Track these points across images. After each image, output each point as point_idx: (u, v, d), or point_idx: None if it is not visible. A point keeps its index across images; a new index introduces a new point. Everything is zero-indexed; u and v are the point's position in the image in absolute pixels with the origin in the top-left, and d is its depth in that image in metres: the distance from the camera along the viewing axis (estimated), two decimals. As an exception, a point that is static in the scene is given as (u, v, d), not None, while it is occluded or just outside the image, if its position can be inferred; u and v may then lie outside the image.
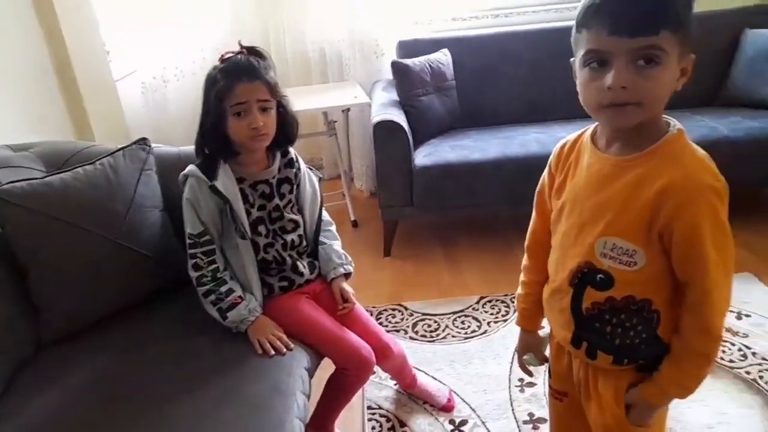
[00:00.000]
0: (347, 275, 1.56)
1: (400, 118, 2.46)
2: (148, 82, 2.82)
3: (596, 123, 0.94)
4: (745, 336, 1.90)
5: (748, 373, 1.75)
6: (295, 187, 1.49)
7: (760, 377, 1.73)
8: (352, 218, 2.97)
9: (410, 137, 2.46)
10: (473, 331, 2.08)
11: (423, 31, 3.16)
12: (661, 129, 0.88)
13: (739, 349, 1.85)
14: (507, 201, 2.51)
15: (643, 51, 0.78)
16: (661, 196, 0.83)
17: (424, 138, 2.63)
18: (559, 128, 2.63)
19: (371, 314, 2.20)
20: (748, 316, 2.00)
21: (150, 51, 2.79)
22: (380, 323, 2.16)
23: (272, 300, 1.45)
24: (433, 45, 2.85)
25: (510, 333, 2.04)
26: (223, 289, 1.36)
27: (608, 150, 0.90)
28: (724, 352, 1.84)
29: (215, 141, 1.38)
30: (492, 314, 2.16)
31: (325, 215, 1.60)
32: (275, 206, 1.44)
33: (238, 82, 1.32)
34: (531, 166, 2.48)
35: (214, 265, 1.38)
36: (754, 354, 1.83)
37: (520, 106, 2.88)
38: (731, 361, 1.81)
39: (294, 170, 1.48)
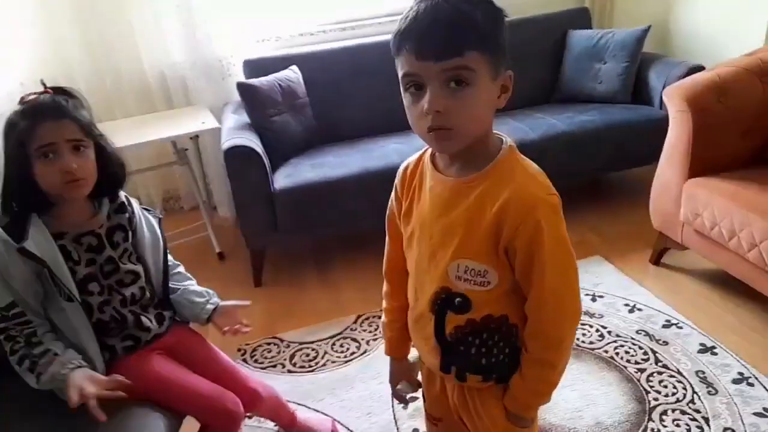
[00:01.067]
0: (216, 308, 1.45)
1: (253, 141, 2.36)
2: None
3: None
4: (601, 317, 2.04)
5: (606, 351, 1.88)
6: (130, 234, 1.34)
7: (617, 354, 1.86)
8: (218, 250, 2.80)
9: (266, 160, 2.36)
10: (353, 353, 2.03)
11: (269, 48, 3.07)
12: (494, 147, 0.88)
13: (597, 330, 1.98)
14: (373, 214, 2.46)
15: (452, 73, 0.77)
16: (500, 216, 0.83)
17: (282, 159, 2.54)
18: (418, 138, 2.66)
19: (244, 352, 2.09)
20: (601, 297, 2.15)
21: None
22: (255, 360, 2.05)
23: (116, 363, 1.29)
24: (282, 62, 2.77)
25: (389, 349, 2.02)
26: (37, 351, 1.18)
27: (448, 171, 0.89)
28: (584, 334, 1.96)
29: (23, 193, 1.20)
30: (370, 332, 2.13)
31: (170, 258, 1.46)
32: (107, 258, 1.28)
33: (41, 122, 1.17)
34: (393, 177, 2.53)
35: (29, 329, 1.19)
36: (609, 332, 1.96)
37: (378, 118, 2.88)
38: (591, 342, 1.93)
39: (127, 215, 1.34)
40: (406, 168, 0.99)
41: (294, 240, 2.60)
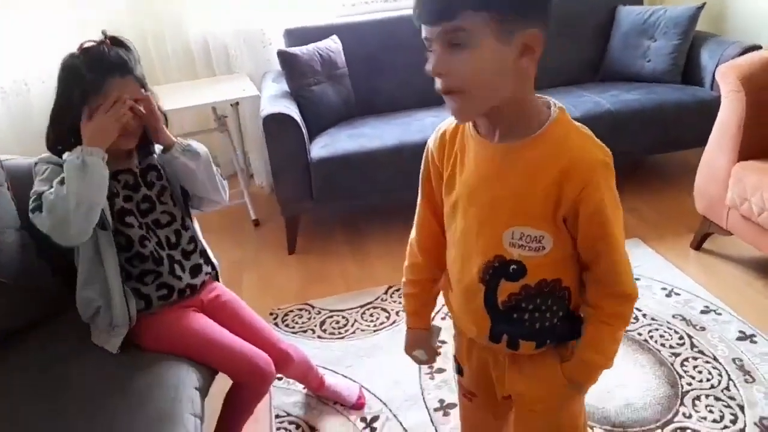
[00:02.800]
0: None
1: (291, 109, 2.37)
2: (8, 87, 2.54)
3: None
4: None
5: (639, 334, 1.84)
6: (163, 171, 1.38)
7: (651, 337, 1.83)
8: (253, 217, 2.85)
9: (304, 129, 2.37)
10: (382, 323, 2.05)
11: (311, 18, 3.05)
12: (541, 111, 0.85)
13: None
14: (408, 187, 2.46)
15: (449, 35, 0.76)
16: (560, 181, 0.82)
17: (319, 129, 2.55)
18: (454, 110, 2.63)
19: (276, 316, 2.12)
20: (637, 279, 2.09)
21: (8, 51, 2.50)
22: (287, 325, 2.08)
23: (150, 316, 1.33)
24: (322, 32, 2.76)
25: (418, 320, 2.03)
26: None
27: (492, 137, 0.86)
28: (618, 316, 1.93)
29: (74, 139, 1.24)
30: (400, 303, 2.14)
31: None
32: (144, 196, 1.34)
33: (109, 77, 1.22)
34: None
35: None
36: (644, 315, 1.92)
37: (415, 91, 2.85)
38: (625, 324, 1.89)
39: (155, 156, 1.40)
40: (443, 133, 0.95)
41: (328, 209, 2.62)
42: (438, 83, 0.79)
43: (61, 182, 1.17)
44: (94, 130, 1.20)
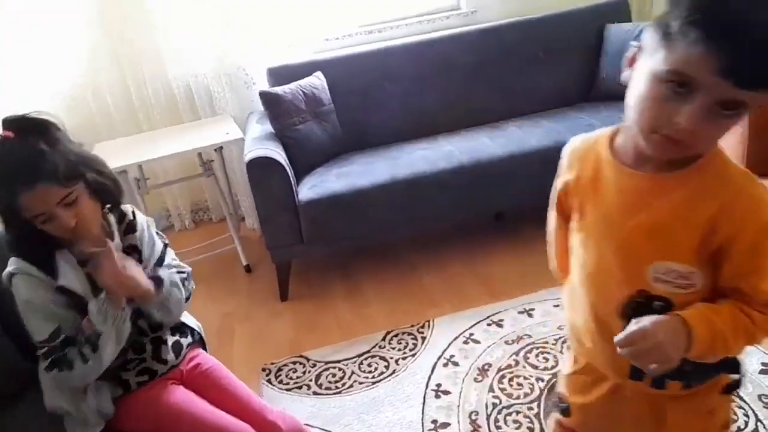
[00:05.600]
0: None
1: (276, 152, 2.28)
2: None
3: (606, 134, 0.88)
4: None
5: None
6: (141, 247, 1.27)
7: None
8: (244, 263, 2.74)
9: (290, 171, 2.29)
10: (381, 374, 1.93)
11: (294, 55, 3.00)
12: None
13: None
14: (402, 224, 2.40)
15: (731, 102, 0.68)
16: (720, 217, 0.76)
17: (306, 169, 2.47)
18: (445, 141, 2.55)
19: (269, 372, 2.01)
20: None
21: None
22: (280, 381, 1.96)
23: (127, 398, 1.22)
24: (306, 69, 2.70)
25: (419, 368, 1.91)
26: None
27: (638, 166, 0.81)
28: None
29: (34, 240, 1.12)
30: (399, 350, 2.03)
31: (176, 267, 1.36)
32: None
33: (17, 194, 1.03)
34: (421, 185, 2.43)
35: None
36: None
37: (405, 123, 2.78)
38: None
39: (137, 234, 1.27)
40: (580, 157, 0.90)
41: (320, 252, 2.52)
42: (675, 131, 0.70)
43: (92, 346, 1.11)
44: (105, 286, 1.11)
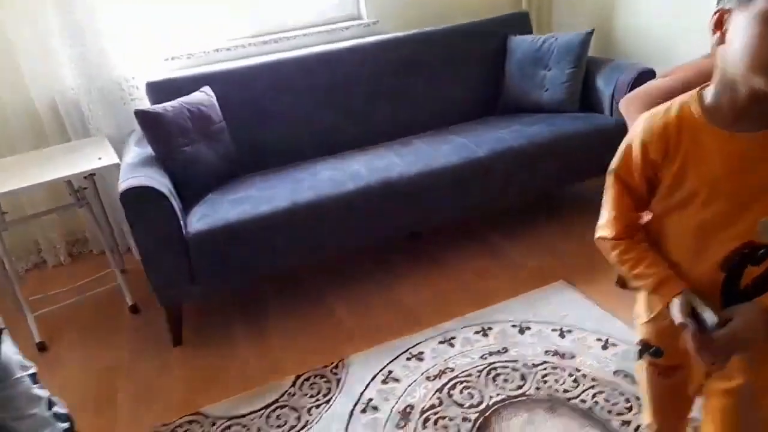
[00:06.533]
0: None
1: (156, 179, 1.99)
2: None
3: (686, 103, 0.90)
4: (572, 357, 1.80)
5: (583, 402, 1.64)
6: None
7: (595, 403, 1.62)
8: (130, 303, 2.40)
9: (175, 201, 2.01)
10: (292, 427, 1.70)
11: (180, 66, 2.71)
12: None
13: (570, 375, 1.74)
14: (308, 252, 2.19)
15: None
16: None
17: (196, 196, 2.19)
18: (352, 160, 2.37)
19: (159, 440, 1.72)
20: (569, 331, 1.92)
21: None
22: (173, 447, 1.69)
23: None
24: (192, 83, 2.42)
25: (335, 418, 1.70)
26: None
27: (736, 127, 0.85)
28: (557, 381, 1.72)
29: None
30: (312, 396, 1.81)
31: (18, 367, 1.05)
32: None
33: None
34: (327, 209, 2.21)
35: None
36: (584, 376, 1.72)
37: (305, 140, 2.58)
38: (566, 390, 1.68)
39: None
40: (665, 126, 0.91)
41: (215, 290, 2.24)
42: None
43: None
44: None
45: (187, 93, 2.35)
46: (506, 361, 1.82)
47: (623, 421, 1.55)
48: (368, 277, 2.41)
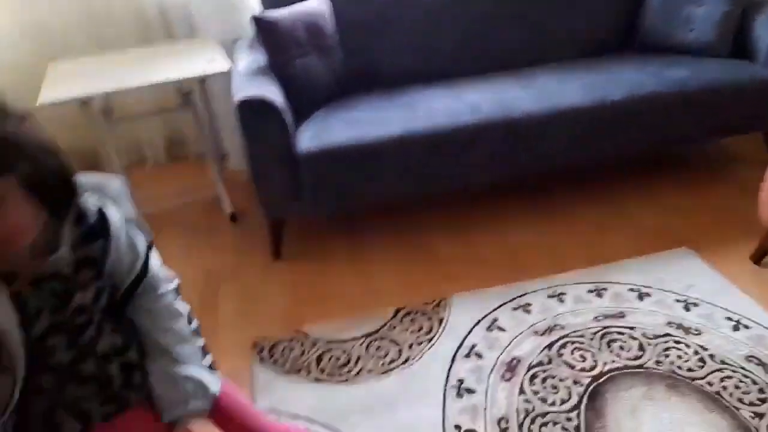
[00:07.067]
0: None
1: (272, 91, 1.91)
2: None
3: None
4: (698, 333, 1.67)
5: (710, 384, 1.52)
6: (105, 265, 0.91)
7: (724, 388, 1.50)
8: (229, 211, 2.41)
9: (287, 116, 1.92)
10: (392, 361, 1.68)
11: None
12: None
13: (696, 353, 1.61)
14: (417, 185, 2.09)
15: None
16: None
17: (305, 111, 2.09)
18: (470, 89, 2.20)
19: (261, 349, 1.74)
20: (695, 305, 1.77)
21: None
22: (275, 361, 1.71)
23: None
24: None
25: (437, 358, 1.67)
26: None
27: None
28: (680, 357, 1.60)
29: None
30: (413, 332, 1.78)
31: (162, 280, 1.02)
32: (78, 308, 0.89)
33: None
34: (440, 142, 2.04)
35: None
36: (711, 357, 1.60)
37: (421, 61, 2.40)
38: (690, 369, 1.56)
39: (99, 243, 0.90)
40: None
41: (318, 211, 2.19)
42: None
43: None
44: None
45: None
46: (622, 327, 1.71)
47: (755, 413, 1.43)
48: (475, 216, 2.29)
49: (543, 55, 2.43)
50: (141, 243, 0.97)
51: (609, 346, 1.65)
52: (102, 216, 0.89)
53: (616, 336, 1.69)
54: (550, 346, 1.68)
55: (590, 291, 1.86)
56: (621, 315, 1.76)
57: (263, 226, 2.17)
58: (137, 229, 0.97)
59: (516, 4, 2.44)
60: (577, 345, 1.67)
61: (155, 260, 1.02)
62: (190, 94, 2.35)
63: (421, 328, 1.79)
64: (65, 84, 2.03)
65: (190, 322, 1.05)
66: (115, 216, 0.91)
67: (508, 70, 2.35)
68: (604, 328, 1.72)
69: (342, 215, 2.36)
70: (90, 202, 0.89)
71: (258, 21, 2.03)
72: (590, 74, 2.24)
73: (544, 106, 2.06)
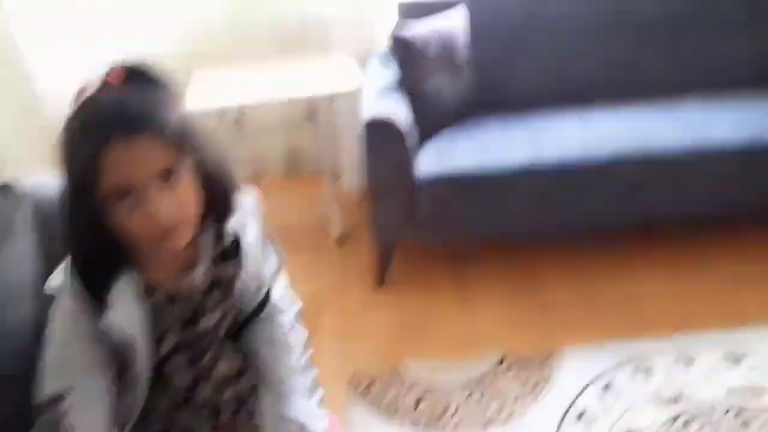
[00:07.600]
0: None
1: (400, 111, 1.88)
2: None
3: None
4: None
5: None
6: (235, 289, 0.90)
7: None
8: (338, 233, 2.39)
9: (412, 138, 1.87)
10: (493, 416, 1.58)
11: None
12: None
13: None
14: (537, 221, 1.97)
15: None
16: None
17: (429, 132, 2.02)
18: (604, 116, 2.03)
19: (358, 384, 1.71)
20: None
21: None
22: (371, 399, 1.66)
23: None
24: (444, 3, 2.17)
25: (542, 417, 1.54)
26: None
27: None
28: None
29: (96, 245, 0.78)
30: (520, 383, 1.66)
31: (286, 304, 1.00)
32: (203, 331, 0.89)
33: (105, 146, 0.69)
34: (571, 176, 1.85)
35: None
36: None
37: (554, 83, 2.25)
38: None
39: (232, 268, 0.89)
40: None
41: (432, 239, 2.10)
42: None
43: None
44: None
45: (438, 11, 2.13)
46: (764, 409, 1.48)
47: None
48: (594, 259, 2.10)
49: (689, 84, 2.16)
50: (270, 266, 0.95)
51: (744, 430, 1.44)
52: (235, 240, 0.88)
53: (752, 416, 1.46)
54: (675, 419, 1.49)
55: (725, 357, 1.64)
56: (762, 391, 1.53)
57: (368, 251, 2.12)
58: (268, 249, 0.96)
59: (665, 28, 2.22)
60: (705, 421, 1.47)
61: (282, 283, 0.99)
62: (316, 109, 2.39)
63: (526, 381, 1.66)
64: (207, 93, 2.13)
65: (306, 350, 1.03)
66: (250, 236, 0.89)
67: (647, 99, 2.13)
68: (741, 407, 1.50)
69: (452, 246, 2.27)
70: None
71: (395, 39, 2.01)
72: (743, 107, 1.98)
73: (686, 140, 1.86)
